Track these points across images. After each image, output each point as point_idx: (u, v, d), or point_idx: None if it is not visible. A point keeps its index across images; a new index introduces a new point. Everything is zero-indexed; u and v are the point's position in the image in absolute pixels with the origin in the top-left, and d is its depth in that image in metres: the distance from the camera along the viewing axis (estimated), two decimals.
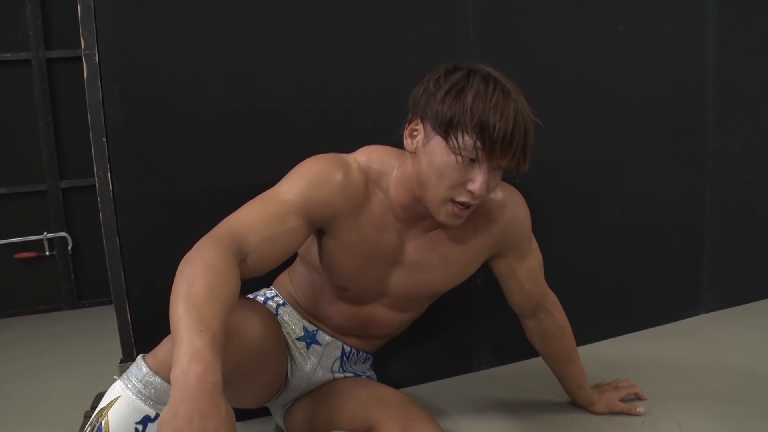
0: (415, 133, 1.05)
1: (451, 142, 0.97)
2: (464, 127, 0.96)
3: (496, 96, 0.96)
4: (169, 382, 0.81)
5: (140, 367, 0.87)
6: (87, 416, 1.37)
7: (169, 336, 0.88)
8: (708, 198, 2.03)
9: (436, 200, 1.03)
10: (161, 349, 0.89)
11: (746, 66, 2.05)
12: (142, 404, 0.84)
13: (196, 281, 0.82)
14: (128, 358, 1.34)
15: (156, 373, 0.85)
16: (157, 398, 0.85)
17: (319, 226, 1.09)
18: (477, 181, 0.99)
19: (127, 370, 0.88)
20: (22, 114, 2.69)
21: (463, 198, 1.01)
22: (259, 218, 0.98)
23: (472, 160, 0.98)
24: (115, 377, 1.39)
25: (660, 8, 1.85)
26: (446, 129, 0.97)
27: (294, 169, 1.08)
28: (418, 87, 1.06)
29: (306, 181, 1.04)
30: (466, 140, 0.96)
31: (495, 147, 0.96)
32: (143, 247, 1.33)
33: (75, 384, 1.78)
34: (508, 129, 0.95)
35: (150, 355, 0.89)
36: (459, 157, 0.97)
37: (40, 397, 1.70)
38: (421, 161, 1.03)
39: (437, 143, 1.00)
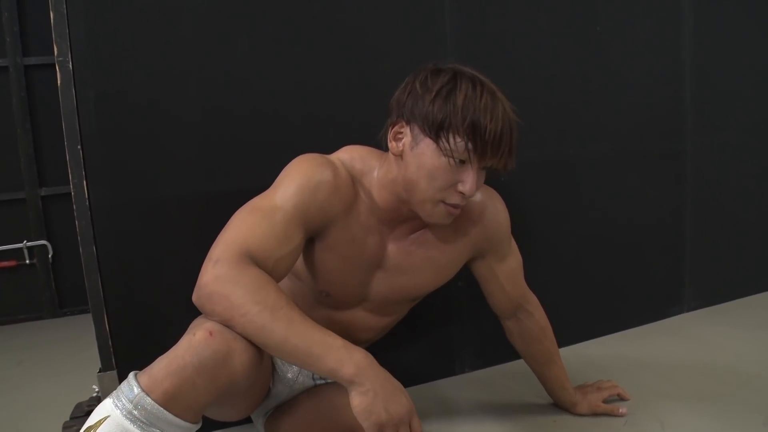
0: (400, 136, 1.05)
1: (442, 144, 0.97)
2: (456, 129, 0.96)
3: (485, 98, 0.97)
4: (160, 405, 0.80)
5: (132, 386, 0.83)
6: (66, 427, 1.35)
7: (164, 355, 0.85)
8: (688, 197, 2.05)
9: (426, 203, 1.03)
10: (156, 366, 0.85)
11: (723, 66, 2.07)
12: (131, 426, 0.81)
13: (270, 305, 0.88)
14: (107, 368, 1.33)
15: (148, 393, 0.81)
16: (147, 420, 0.81)
17: (314, 234, 1.08)
18: (467, 182, 0.99)
19: (118, 389, 0.84)
20: (0, 121, 2.66)
21: (454, 200, 1.02)
22: (273, 238, 0.96)
23: (462, 162, 0.99)
24: (94, 387, 1.38)
25: (637, 9, 1.86)
26: (437, 131, 0.97)
27: (283, 174, 1.06)
28: (402, 89, 1.06)
29: (298, 187, 1.01)
30: (458, 142, 0.97)
31: (486, 148, 0.97)
32: (121, 255, 1.32)
33: (55, 394, 1.75)
34: (497, 130, 0.96)
35: (143, 373, 0.85)
36: (450, 159, 0.98)
37: (20, 407, 1.68)
38: (408, 164, 1.03)
39: (427, 146, 1.00)
